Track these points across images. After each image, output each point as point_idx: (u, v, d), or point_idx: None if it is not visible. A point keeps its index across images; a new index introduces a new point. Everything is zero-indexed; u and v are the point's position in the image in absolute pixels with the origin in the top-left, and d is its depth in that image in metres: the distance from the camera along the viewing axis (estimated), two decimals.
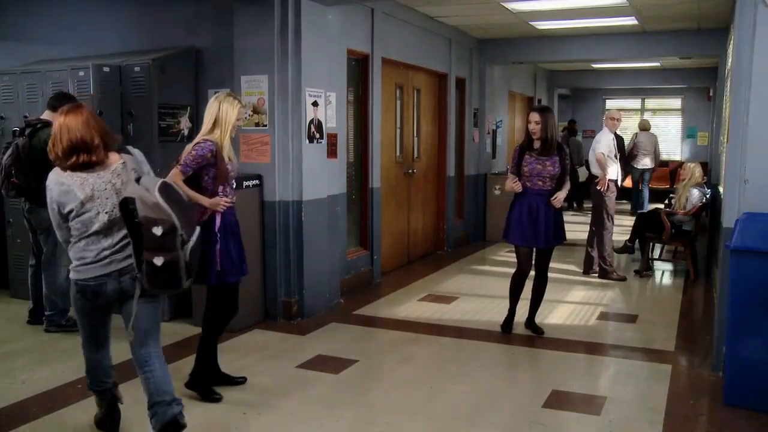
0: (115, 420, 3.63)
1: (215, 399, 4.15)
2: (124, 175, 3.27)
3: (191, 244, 3.19)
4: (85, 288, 3.27)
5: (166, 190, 3.18)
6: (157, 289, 3.23)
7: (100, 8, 6.56)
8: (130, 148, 3.52)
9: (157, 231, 3.05)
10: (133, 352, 3.40)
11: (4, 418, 3.88)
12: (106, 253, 3.24)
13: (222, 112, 4.06)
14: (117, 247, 3.25)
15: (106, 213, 3.22)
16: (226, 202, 4.08)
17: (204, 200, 4.03)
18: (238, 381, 4.42)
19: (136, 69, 5.70)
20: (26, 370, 4.69)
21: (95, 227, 3.22)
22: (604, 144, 7.63)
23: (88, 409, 4.00)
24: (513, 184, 5.34)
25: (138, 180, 3.21)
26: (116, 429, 3.65)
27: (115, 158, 3.31)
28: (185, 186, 4.00)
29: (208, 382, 4.25)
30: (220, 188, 4.09)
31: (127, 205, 3.11)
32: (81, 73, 5.89)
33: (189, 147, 4.06)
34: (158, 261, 3.08)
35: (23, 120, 5.61)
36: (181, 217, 3.14)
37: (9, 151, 5.24)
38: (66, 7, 6.74)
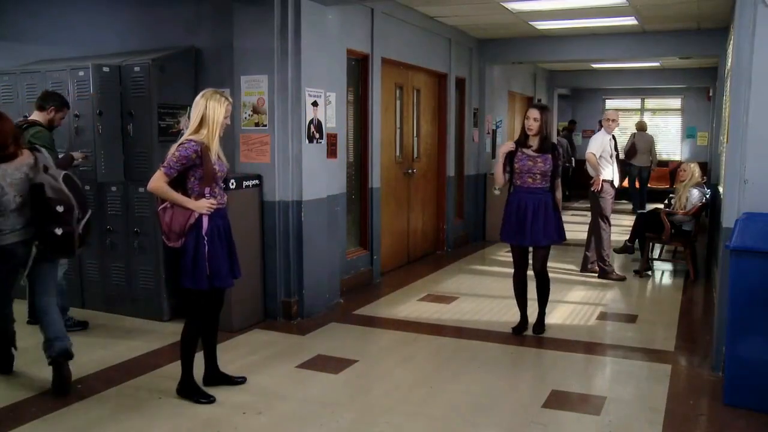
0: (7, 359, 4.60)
1: (206, 403, 4.10)
2: (37, 168, 4.12)
3: (83, 222, 4.20)
4: (1, 250, 4.10)
5: (68, 180, 4.18)
6: (56, 254, 4.28)
7: (100, 8, 6.55)
8: (38, 146, 4.46)
9: (60, 209, 4.05)
10: (36, 303, 4.38)
11: (4, 418, 3.88)
12: (19, 226, 4.11)
13: (209, 111, 3.93)
14: (26, 222, 4.12)
15: (21, 197, 4.07)
16: (212, 204, 3.97)
17: (189, 202, 3.92)
18: (237, 381, 4.41)
19: (136, 69, 5.70)
20: (26, 369, 4.69)
21: (12, 207, 4.06)
22: (596, 145, 7.61)
23: (88, 408, 4.02)
24: (505, 147, 5.42)
25: (46, 170, 4.13)
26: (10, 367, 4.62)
27: (27, 154, 4.16)
28: (169, 188, 3.91)
29: (197, 387, 4.19)
30: (207, 189, 3.97)
31: (38, 188, 4.05)
32: (81, 73, 5.89)
33: (173, 147, 3.95)
34: (58, 231, 4.08)
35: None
36: (77, 201, 4.14)
37: None
38: (66, 7, 6.74)
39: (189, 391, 4.15)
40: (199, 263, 3.94)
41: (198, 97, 4.01)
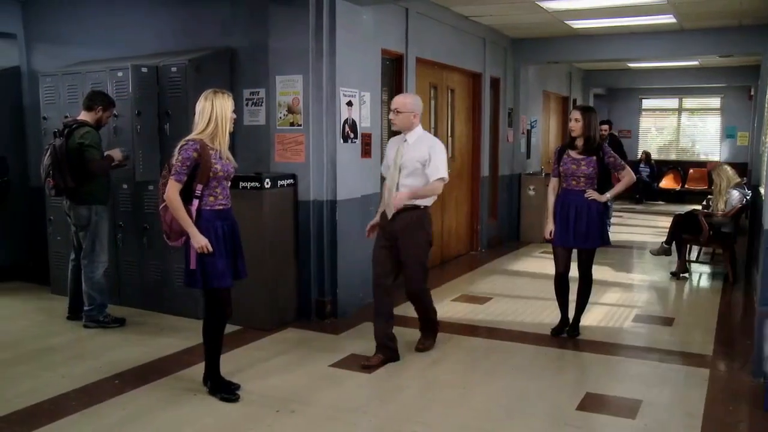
0: None
1: (227, 400, 4.12)
2: None
3: None
4: None
5: None
6: None
7: (139, 9, 6.65)
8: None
9: None
10: None
11: (46, 411, 3.97)
12: None
13: (217, 108, 3.88)
14: None
15: None
16: (208, 248, 3.87)
17: (191, 228, 3.87)
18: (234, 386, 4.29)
19: (173, 69, 5.77)
20: (65, 364, 4.79)
21: None
22: None
23: (125, 404, 4.08)
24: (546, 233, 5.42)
25: None
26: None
27: None
28: (181, 205, 3.86)
29: (220, 383, 4.21)
30: (199, 187, 3.90)
31: None
32: (120, 74, 5.99)
33: (176, 152, 3.91)
34: None
35: (61, 121, 5.76)
36: None
37: (47, 152, 5.40)
38: (105, 9, 6.85)
39: (215, 387, 4.19)
40: (195, 263, 3.95)
41: (201, 100, 3.95)
